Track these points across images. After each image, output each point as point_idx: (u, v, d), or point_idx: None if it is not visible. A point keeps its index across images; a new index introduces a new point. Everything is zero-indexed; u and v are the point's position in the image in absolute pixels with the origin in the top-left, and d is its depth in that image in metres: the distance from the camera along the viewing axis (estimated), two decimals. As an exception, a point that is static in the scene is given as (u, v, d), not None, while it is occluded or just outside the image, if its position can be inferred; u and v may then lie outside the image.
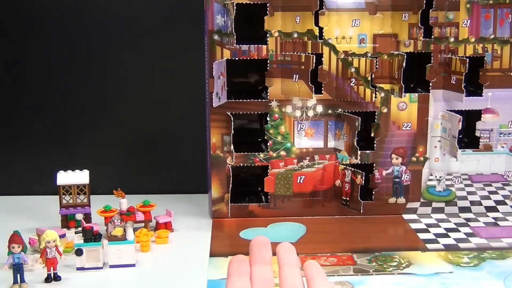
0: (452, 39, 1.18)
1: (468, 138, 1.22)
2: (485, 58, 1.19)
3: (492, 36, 1.18)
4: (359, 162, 1.20)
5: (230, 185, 1.20)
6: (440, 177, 1.24)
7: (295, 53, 1.16)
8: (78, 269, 0.97)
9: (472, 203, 1.25)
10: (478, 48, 1.19)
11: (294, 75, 1.16)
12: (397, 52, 1.17)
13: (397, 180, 1.23)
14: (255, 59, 1.17)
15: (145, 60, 1.33)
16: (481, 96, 1.18)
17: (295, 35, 1.17)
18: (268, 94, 1.18)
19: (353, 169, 1.21)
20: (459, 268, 0.98)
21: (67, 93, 1.35)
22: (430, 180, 1.24)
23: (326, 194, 1.24)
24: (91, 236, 0.96)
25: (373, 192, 1.22)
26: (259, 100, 1.19)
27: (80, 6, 1.31)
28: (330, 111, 1.20)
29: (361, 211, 1.20)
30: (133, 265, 0.99)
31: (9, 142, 1.37)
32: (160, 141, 1.38)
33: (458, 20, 1.17)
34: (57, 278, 0.94)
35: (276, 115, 1.20)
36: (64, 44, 1.32)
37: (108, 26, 1.32)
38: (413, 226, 1.18)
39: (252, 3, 1.13)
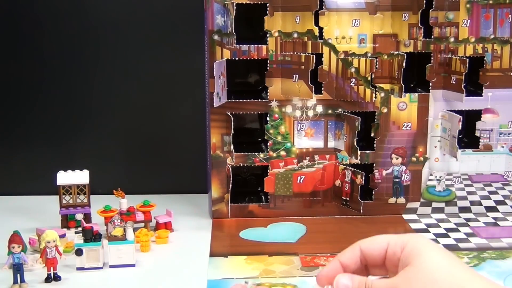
0: (452, 39, 1.18)
1: (468, 138, 1.21)
2: (485, 58, 1.19)
3: (492, 36, 1.18)
4: (359, 162, 1.20)
5: (230, 185, 1.20)
6: (440, 177, 1.24)
7: (295, 53, 1.16)
8: (78, 269, 0.97)
9: (472, 203, 1.25)
10: (478, 48, 1.19)
11: (294, 75, 1.16)
12: (397, 52, 1.17)
13: (397, 180, 1.23)
14: (255, 59, 1.17)
15: (145, 60, 1.33)
16: (481, 96, 1.18)
17: (295, 35, 1.17)
18: (268, 94, 1.18)
19: (353, 169, 1.21)
20: (459, 268, 0.98)
21: (67, 93, 1.35)
22: (430, 180, 1.24)
23: (326, 194, 1.24)
24: (91, 236, 0.96)
25: (373, 192, 1.22)
26: (259, 100, 1.19)
27: (80, 6, 1.31)
28: (330, 111, 1.20)
29: (361, 211, 1.20)
30: (133, 265, 0.99)
31: (9, 142, 1.37)
32: (160, 141, 1.38)
33: (458, 20, 1.17)
34: (57, 278, 0.94)
35: (276, 115, 1.20)
36: (64, 44, 1.32)
37: (108, 27, 1.32)
38: (413, 226, 1.18)
39: (252, 3, 1.13)
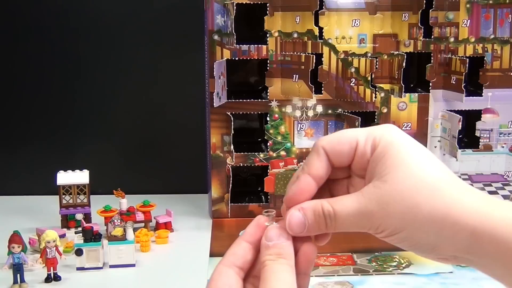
0: (452, 39, 1.18)
1: (468, 138, 1.21)
2: (485, 58, 1.19)
3: (492, 36, 1.18)
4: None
5: (230, 185, 1.20)
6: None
7: (295, 53, 1.16)
8: (78, 269, 0.97)
9: (472, 203, 1.25)
10: (478, 48, 1.19)
11: (294, 75, 1.16)
12: (397, 52, 1.17)
13: (397, 180, 1.23)
14: (255, 59, 1.17)
15: (145, 60, 1.33)
16: (481, 96, 1.18)
17: (295, 35, 1.17)
18: (268, 94, 1.18)
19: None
20: (459, 268, 0.98)
21: (67, 93, 1.35)
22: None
23: (326, 194, 1.24)
24: (91, 236, 0.96)
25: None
26: (259, 100, 1.19)
27: (80, 7, 1.31)
28: (330, 111, 1.20)
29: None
30: (133, 265, 0.99)
31: (9, 142, 1.37)
32: (160, 141, 1.38)
33: (458, 20, 1.17)
34: (57, 278, 0.94)
35: (276, 115, 1.20)
36: (63, 44, 1.32)
37: (108, 26, 1.32)
38: (413, 226, 1.18)
39: (252, 3, 1.13)
